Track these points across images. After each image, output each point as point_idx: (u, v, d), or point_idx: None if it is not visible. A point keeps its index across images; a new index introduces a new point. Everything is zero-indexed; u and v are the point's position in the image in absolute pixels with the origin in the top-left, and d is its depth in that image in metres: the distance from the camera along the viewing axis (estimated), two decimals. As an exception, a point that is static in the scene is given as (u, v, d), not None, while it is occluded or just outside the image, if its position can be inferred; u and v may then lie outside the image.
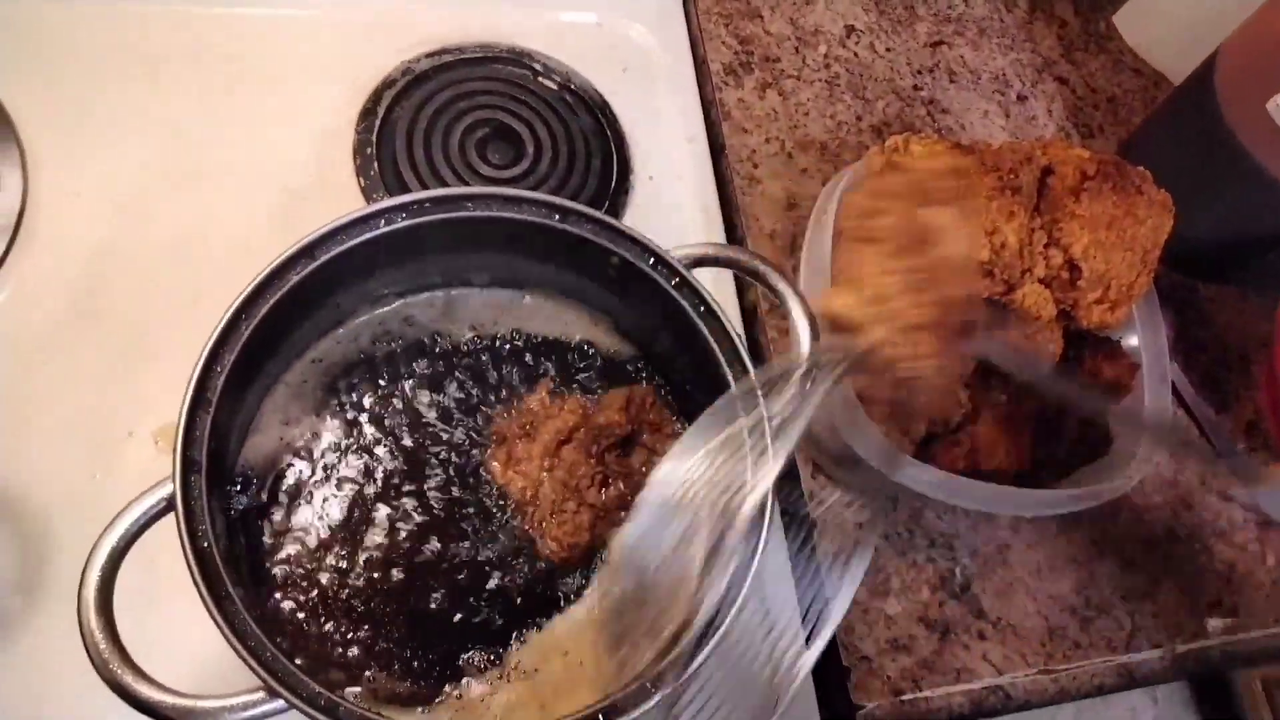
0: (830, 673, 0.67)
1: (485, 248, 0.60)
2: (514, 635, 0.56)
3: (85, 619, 0.44)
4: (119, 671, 0.44)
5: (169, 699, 0.44)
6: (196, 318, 0.64)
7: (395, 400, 0.60)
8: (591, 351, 0.64)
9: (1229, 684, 1.56)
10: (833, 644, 0.67)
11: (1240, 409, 0.85)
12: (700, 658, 0.49)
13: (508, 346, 0.63)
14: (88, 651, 0.44)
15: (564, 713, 0.47)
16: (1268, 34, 0.76)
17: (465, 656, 0.55)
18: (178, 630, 0.56)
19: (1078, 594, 0.73)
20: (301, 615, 0.54)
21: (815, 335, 0.56)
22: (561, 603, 0.57)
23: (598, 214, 0.57)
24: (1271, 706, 1.50)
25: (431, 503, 0.58)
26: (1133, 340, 0.69)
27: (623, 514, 0.60)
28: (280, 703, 0.45)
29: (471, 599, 0.56)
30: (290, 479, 0.57)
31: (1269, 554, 0.79)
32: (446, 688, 0.53)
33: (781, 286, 0.58)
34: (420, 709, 0.51)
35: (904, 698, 0.67)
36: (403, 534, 0.57)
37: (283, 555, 0.55)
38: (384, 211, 0.54)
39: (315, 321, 0.59)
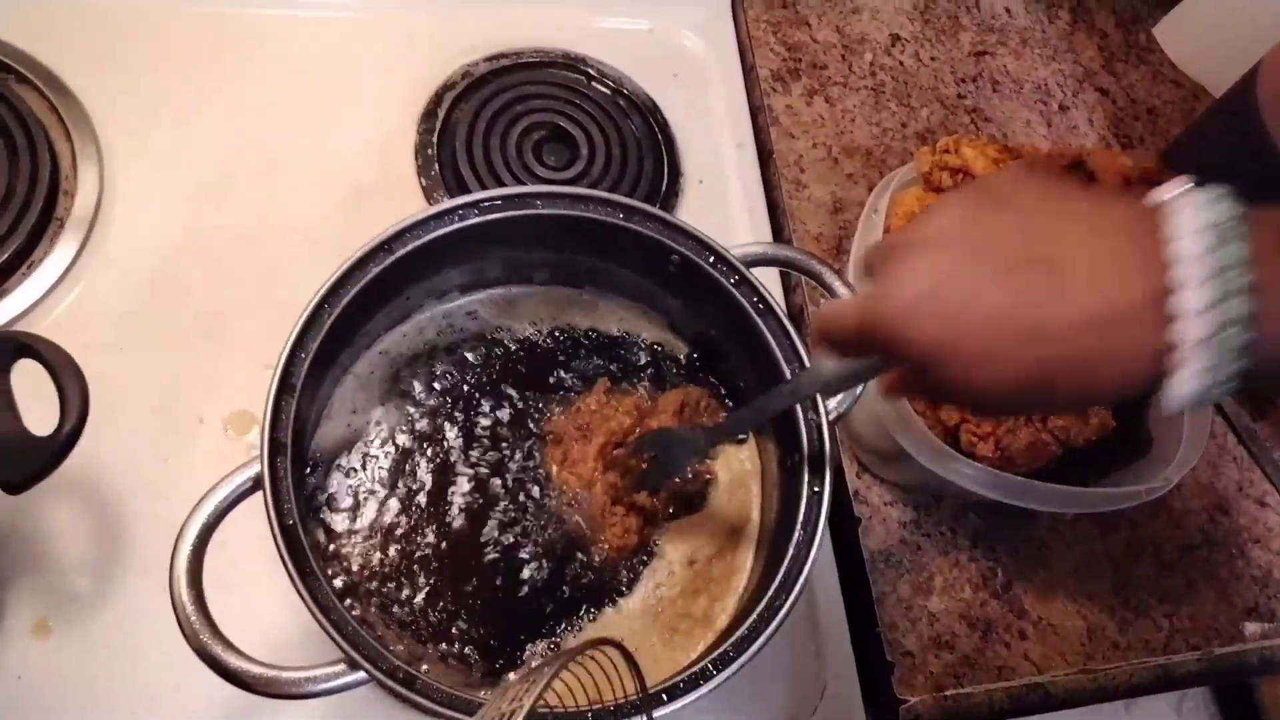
0: (874, 668, 0.69)
1: (548, 245, 0.62)
2: (569, 624, 0.58)
3: (177, 592, 0.46)
4: (209, 642, 0.46)
5: (256, 669, 0.46)
6: (267, 308, 0.68)
7: (457, 394, 0.62)
8: (648, 348, 0.66)
9: (1253, 696, 1.57)
10: (877, 640, 0.69)
11: (1277, 416, 0.86)
12: (754, 649, 0.50)
13: (567, 342, 0.65)
14: (180, 623, 0.46)
15: (618, 699, 0.48)
16: (1312, 46, 0.77)
17: (523, 643, 0.57)
18: (256, 608, 0.58)
19: (1116, 595, 0.74)
20: (366, 596, 0.56)
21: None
22: (615, 594, 0.59)
23: (661, 213, 0.59)
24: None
25: (491, 495, 0.60)
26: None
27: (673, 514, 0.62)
28: (361, 674, 0.46)
29: (528, 588, 0.58)
30: (357, 466, 0.59)
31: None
32: (509, 675, 0.55)
33: (835, 284, 0.60)
34: (482, 692, 0.53)
35: (946, 693, 0.68)
36: (461, 523, 0.59)
37: (348, 539, 0.57)
38: (459, 208, 0.56)
39: (385, 314, 0.61)
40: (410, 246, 0.55)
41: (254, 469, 0.49)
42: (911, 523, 0.73)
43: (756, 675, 0.64)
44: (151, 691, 0.58)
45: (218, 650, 0.46)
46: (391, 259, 0.55)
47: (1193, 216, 0.35)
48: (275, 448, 0.50)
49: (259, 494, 0.49)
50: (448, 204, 0.56)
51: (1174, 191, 0.37)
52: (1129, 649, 0.73)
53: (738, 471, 0.65)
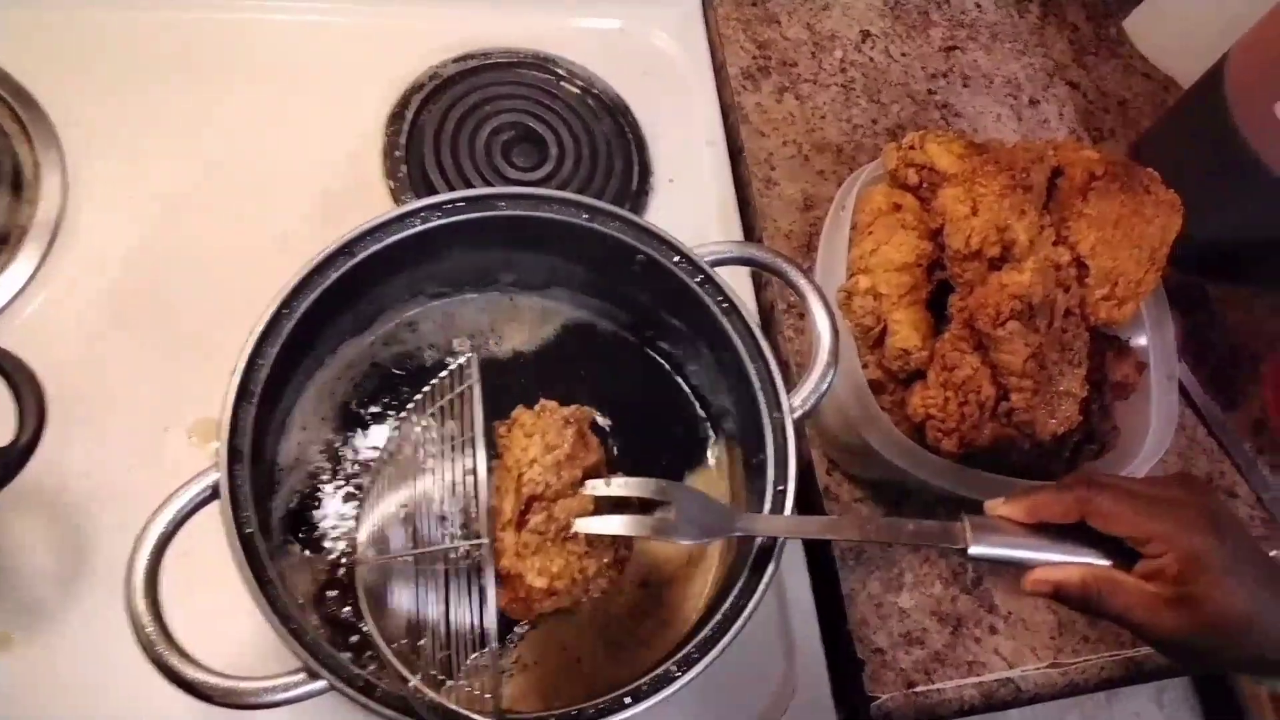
0: (845, 666, 0.69)
1: (514, 248, 0.62)
2: (514, 628, 0.58)
3: (133, 602, 0.46)
4: (165, 653, 0.45)
5: (213, 680, 0.45)
6: (233, 316, 0.66)
7: (419, 404, 0.61)
8: (611, 349, 0.66)
9: (1233, 686, 1.57)
10: (847, 638, 0.69)
11: (1248, 407, 0.86)
12: (718, 650, 0.50)
13: (529, 354, 0.64)
14: (135, 634, 0.46)
15: (563, 705, 0.48)
16: (1278, 38, 0.77)
17: (470, 647, 0.56)
18: (215, 619, 0.57)
19: (1088, 588, 0.74)
20: (329, 610, 0.56)
21: (834, 329, 0.58)
22: None
23: (625, 213, 0.59)
24: (1277, 710, 1.50)
25: (435, 502, 0.59)
26: (1141, 340, 0.70)
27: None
28: (322, 683, 0.46)
29: (472, 594, 0.57)
30: (313, 478, 0.59)
31: (1273, 550, 0.81)
32: (450, 680, 0.54)
33: (801, 282, 0.60)
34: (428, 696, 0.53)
35: (917, 689, 0.68)
36: (404, 532, 0.58)
37: (309, 548, 0.57)
38: (420, 210, 0.56)
39: (349, 320, 0.61)
40: (372, 249, 0.55)
41: (212, 477, 0.49)
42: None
43: (725, 676, 0.64)
44: (115, 704, 0.57)
45: (174, 661, 0.45)
46: (352, 263, 0.54)
47: None
48: (234, 455, 0.49)
49: (218, 502, 0.48)
50: (409, 206, 0.56)
51: None
52: (1099, 642, 0.73)
53: (706, 477, 0.65)
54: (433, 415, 0.53)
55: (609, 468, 0.53)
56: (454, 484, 0.49)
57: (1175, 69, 1.02)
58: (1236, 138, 0.79)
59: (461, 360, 0.52)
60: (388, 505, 0.55)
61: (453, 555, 0.49)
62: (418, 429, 0.54)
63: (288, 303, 0.52)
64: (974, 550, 0.49)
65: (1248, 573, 0.45)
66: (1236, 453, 0.83)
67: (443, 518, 0.50)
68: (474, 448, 0.47)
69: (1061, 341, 0.59)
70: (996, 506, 0.51)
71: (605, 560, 0.50)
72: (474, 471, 0.48)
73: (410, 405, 0.57)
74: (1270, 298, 0.90)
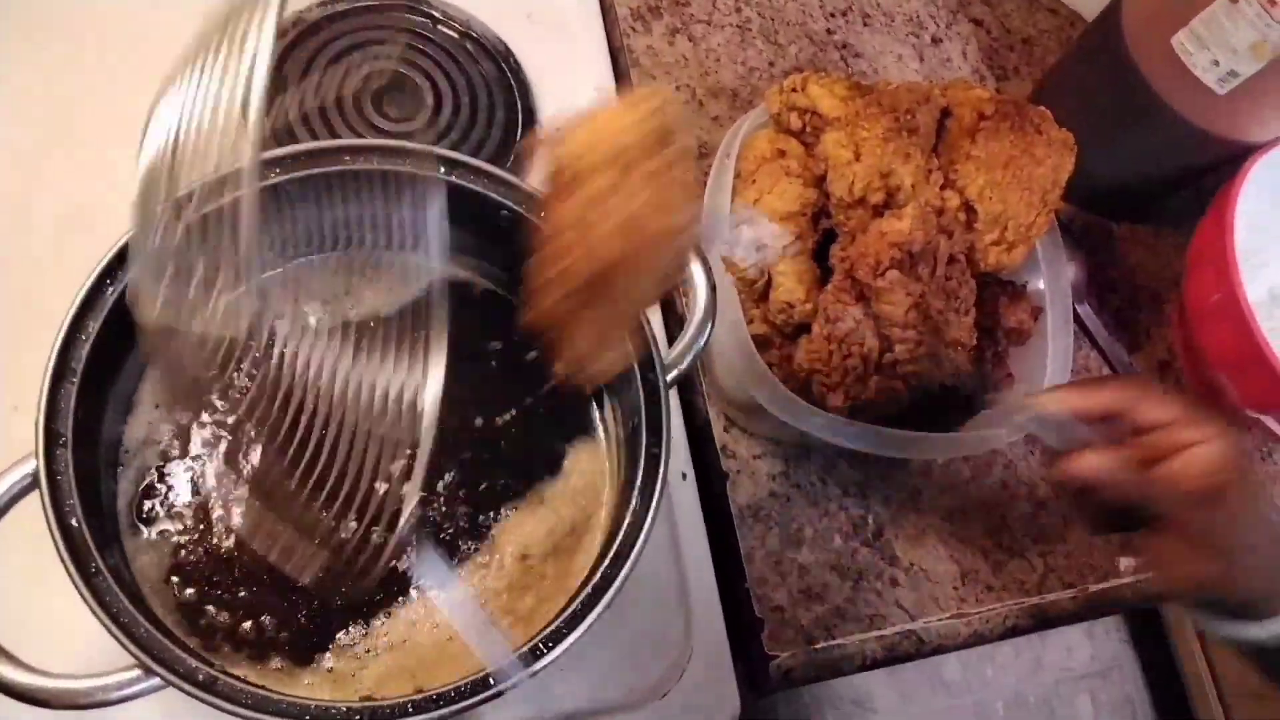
0: (744, 626, 0.67)
1: (372, 203, 0.58)
2: (382, 607, 0.54)
3: (-57, 603, 0.42)
4: (-16, 657, 0.42)
5: (39, 681, 0.42)
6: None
7: (269, 375, 0.58)
8: (486, 309, 0.63)
9: (1161, 620, 1.61)
10: (746, 595, 0.67)
11: (1152, 348, 0.86)
12: (587, 623, 0.48)
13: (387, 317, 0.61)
14: (-52, 639, 0.42)
15: (435, 686, 0.46)
16: (1171, -31, 0.75)
17: (334, 627, 0.53)
18: (63, 615, 0.54)
19: (989, 537, 0.73)
20: (180, 594, 0.52)
21: (711, 284, 0.55)
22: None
23: (485, 165, 0.56)
24: (1202, 643, 1.54)
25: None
26: (1039, 284, 0.69)
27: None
28: (156, 680, 0.43)
29: (334, 572, 0.54)
30: (163, 458, 0.55)
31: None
32: (315, 660, 0.52)
33: (679, 237, 0.57)
34: (290, 680, 0.50)
35: (817, 646, 0.67)
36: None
37: (157, 533, 0.53)
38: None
39: (193, 287, 0.56)
40: (204, 211, 0.51)
41: (31, 464, 0.45)
42: (780, 475, 0.71)
43: (620, 641, 0.63)
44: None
45: (-2, 664, 0.42)
46: (181, 226, 0.50)
47: None
48: (52, 439, 0.45)
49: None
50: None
51: None
52: (1004, 590, 0.73)
53: (593, 448, 0.62)
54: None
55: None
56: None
57: (1080, 4, 1.00)
58: (1135, 74, 0.77)
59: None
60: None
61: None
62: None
63: (109, 271, 0.48)
64: None
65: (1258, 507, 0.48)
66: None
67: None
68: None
69: (946, 290, 0.57)
70: (1048, 403, 0.50)
71: None
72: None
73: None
74: (1174, 237, 0.90)
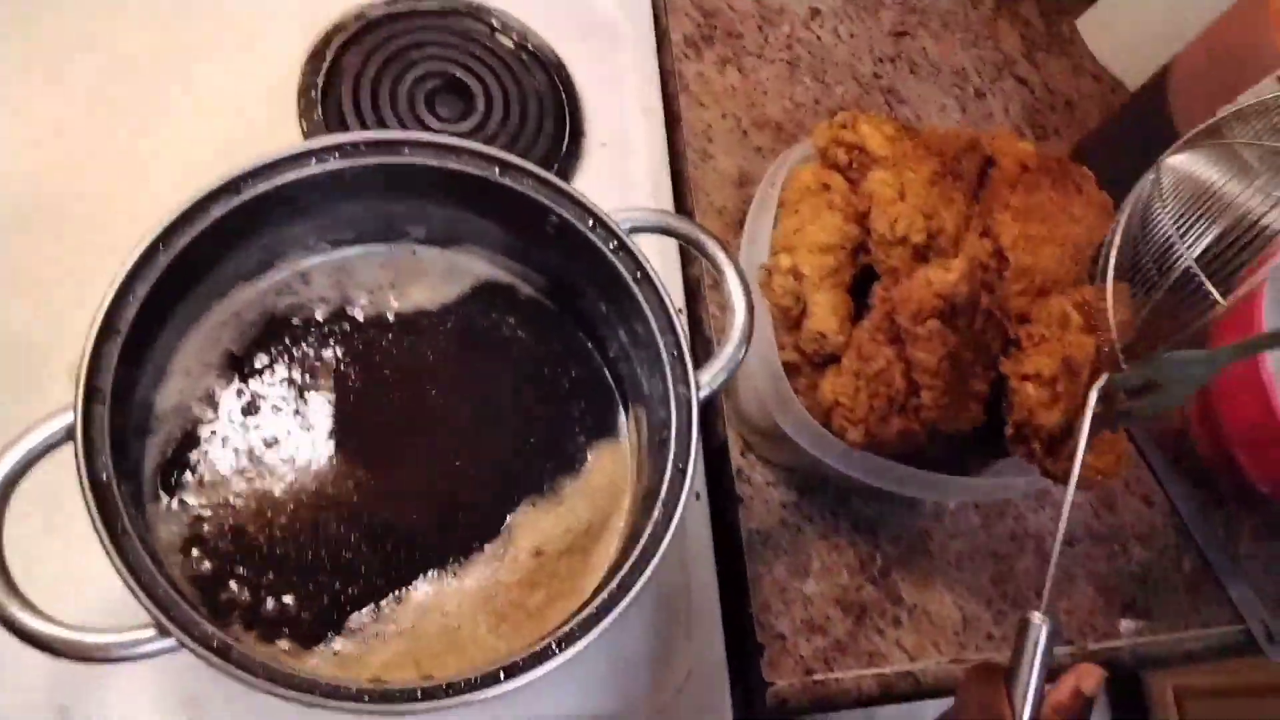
0: (744, 650, 0.67)
1: (423, 199, 0.59)
2: (392, 592, 0.55)
3: (-29, 546, 0.43)
4: (4, 600, 0.42)
5: (54, 630, 0.43)
6: (122, 255, 0.64)
7: (306, 356, 0.59)
8: (523, 312, 0.64)
9: (1141, 687, 1.60)
10: (749, 621, 0.67)
11: (1167, 415, 0.86)
12: (601, 627, 0.48)
13: (433, 311, 0.62)
14: (-29, 580, 0.42)
15: (441, 675, 0.46)
16: (1221, 45, 0.77)
17: (348, 609, 0.54)
18: (77, 573, 0.54)
19: (995, 586, 0.74)
20: (197, 566, 0.53)
21: (749, 305, 0.56)
22: (444, 563, 0.56)
23: (538, 170, 0.57)
24: (1181, 713, 1.53)
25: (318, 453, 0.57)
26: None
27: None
28: (171, 641, 0.43)
29: (348, 554, 0.55)
30: (192, 427, 0.55)
31: (1185, 560, 0.81)
32: (323, 642, 0.52)
33: (720, 257, 0.58)
34: (296, 662, 0.50)
35: (815, 677, 0.67)
36: (285, 487, 0.56)
37: (179, 503, 0.54)
38: (316, 151, 0.53)
39: (237, 264, 0.57)
40: (261, 189, 0.52)
41: (67, 417, 0.45)
42: (793, 504, 0.71)
43: (615, 656, 0.63)
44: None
45: (13, 609, 0.42)
46: (239, 200, 0.51)
47: None
48: (91, 395, 0.46)
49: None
50: (305, 145, 0.52)
51: None
52: (1003, 640, 0.73)
53: (617, 452, 0.62)
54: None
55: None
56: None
57: (1124, 72, 1.01)
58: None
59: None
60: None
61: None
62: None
63: (163, 238, 0.49)
64: None
65: None
66: (1154, 459, 0.83)
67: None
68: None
69: (978, 343, 0.58)
70: None
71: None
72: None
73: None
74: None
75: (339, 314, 0.60)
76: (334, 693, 0.44)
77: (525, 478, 0.60)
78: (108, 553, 0.44)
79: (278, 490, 0.55)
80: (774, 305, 0.62)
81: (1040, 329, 0.56)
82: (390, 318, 0.61)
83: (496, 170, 0.56)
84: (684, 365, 0.55)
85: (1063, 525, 0.49)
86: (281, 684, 0.44)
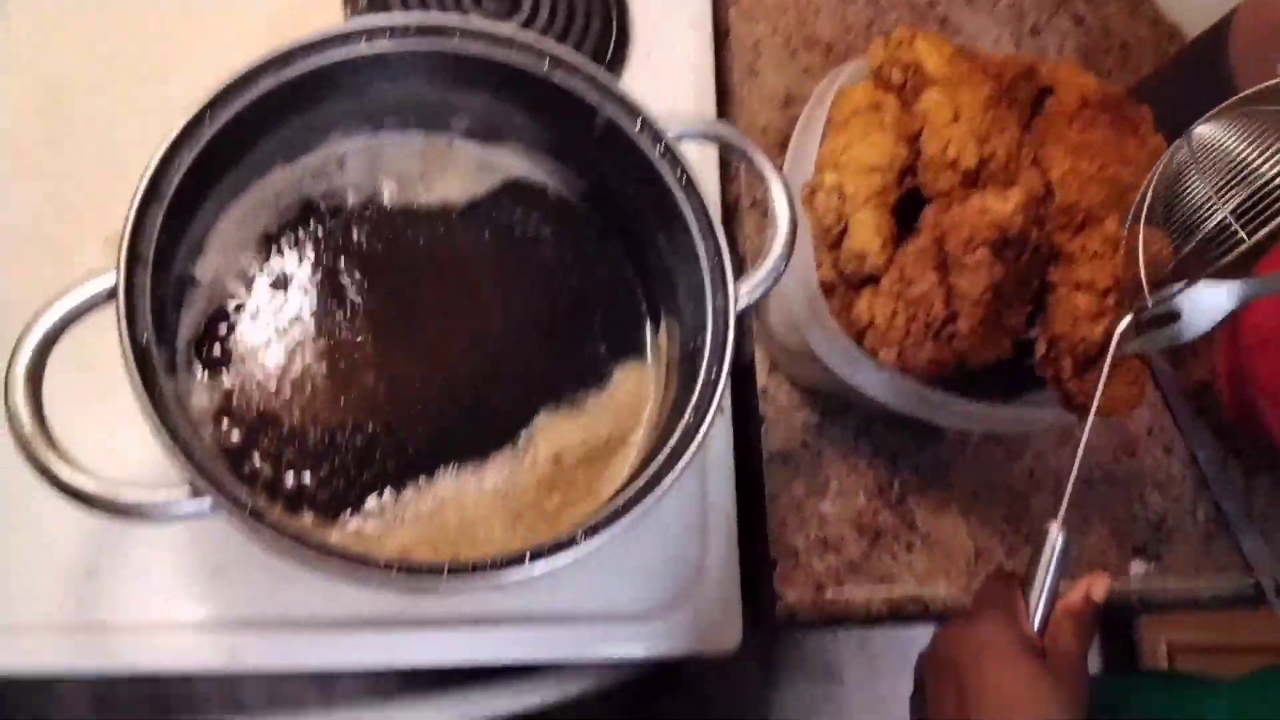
0: (758, 563, 0.68)
1: (469, 89, 0.58)
2: (411, 481, 0.56)
3: (12, 398, 0.43)
4: (43, 451, 0.43)
5: (91, 484, 0.43)
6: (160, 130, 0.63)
7: (337, 243, 0.59)
8: (555, 214, 0.63)
9: (1134, 637, 1.61)
10: (763, 535, 0.68)
11: (1194, 366, 0.85)
12: (626, 520, 0.49)
13: (458, 205, 0.62)
14: (12, 431, 0.43)
15: (459, 559, 0.47)
16: (1291, -8, 0.74)
17: (366, 490, 0.55)
18: (110, 437, 0.55)
19: (1008, 521, 0.74)
20: (226, 439, 0.54)
21: (793, 220, 0.56)
22: (464, 458, 0.57)
23: (590, 67, 0.56)
24: (1171, 668, 1.55)
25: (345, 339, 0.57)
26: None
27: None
28: (205, 502, 0.44)
29: (366, 439, 0.56)
30: (225, 303, 0.56)
31: (1200, 510, 0.81)
32: (342, 520, 0.53)
33: (767, 167, 0.57)
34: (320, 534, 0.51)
35: (825, 594, 0.68)
36: (310, 368, 0.57)
37: (210, 376, 0.54)
38: (367, 30, 0.52)
39: (278, 142, 0.56)
40: (309, 66, 0.51)
41: (110, 279, 0.46)
42: (815, 426, 0.71)
43: (634, 554, 0.64)
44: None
45: (52, 460, 0.43)
46: (286, 75, 0.51)
47: None
48: (134, 258, 0.46)
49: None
50: (356, 24, 0.52)
51: None
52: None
53: (640, 372, 0.62)
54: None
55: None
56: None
57: (1183, 19, 0.98)
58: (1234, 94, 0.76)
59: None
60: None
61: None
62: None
63: (211, 106, 0.49)
64: None
65: None
66: (1178, 408, 0.83)
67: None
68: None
69: (1021, 277, 0.57)
70: None
71: None
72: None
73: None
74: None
75: (369, 201, 0.60)
76: (362, 562, 0.45)
77: (547, 385, 0.60)
78: (146, 414, 0.44)
79: (303, 371, 0.56)
80: (815, 223, 0.61)
81: (1095, 244, 0.56)
82: (417, 208, 0.61)
83: (547, 65, 0.56)
84: (724, 275, 0.55)
85: (1084, 441, 0.50)
86: (313, 550, 0.44)
